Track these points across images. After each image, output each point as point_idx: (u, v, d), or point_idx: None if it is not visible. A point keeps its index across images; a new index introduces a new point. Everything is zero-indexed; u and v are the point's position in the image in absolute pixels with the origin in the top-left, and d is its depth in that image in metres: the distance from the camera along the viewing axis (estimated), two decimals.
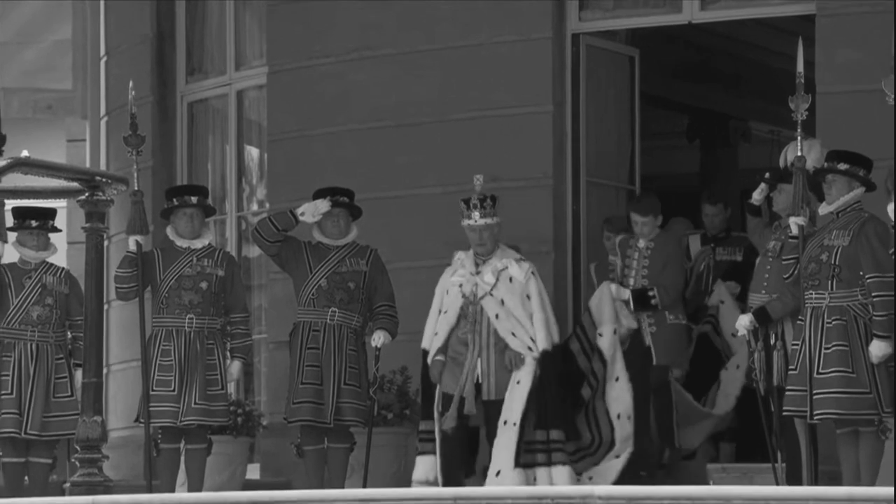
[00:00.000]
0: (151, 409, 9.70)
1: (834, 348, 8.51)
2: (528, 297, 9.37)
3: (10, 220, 9.96)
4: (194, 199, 10.02)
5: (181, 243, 9.92)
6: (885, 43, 8.55)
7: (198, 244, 9.92)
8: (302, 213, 9.83)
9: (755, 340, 8.99)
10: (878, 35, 9.22)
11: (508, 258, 9.44)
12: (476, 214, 9.39)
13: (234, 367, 9.91)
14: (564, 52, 10.74)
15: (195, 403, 9.66)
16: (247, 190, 12.00)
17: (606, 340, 9.62)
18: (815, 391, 8.49)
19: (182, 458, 9.81)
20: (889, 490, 6.16)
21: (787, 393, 8.65)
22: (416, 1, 10.94)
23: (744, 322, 9.02)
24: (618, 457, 9.48)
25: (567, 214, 10.68)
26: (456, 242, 10.23)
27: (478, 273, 9.40)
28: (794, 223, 8.77)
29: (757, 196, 9.65)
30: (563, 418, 9.34)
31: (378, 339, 9.65)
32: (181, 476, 9.85)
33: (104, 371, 9.55)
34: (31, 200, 9.75)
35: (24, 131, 12.18)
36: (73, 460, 8.38)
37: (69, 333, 9.97)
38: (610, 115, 10.98)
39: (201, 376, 9.71)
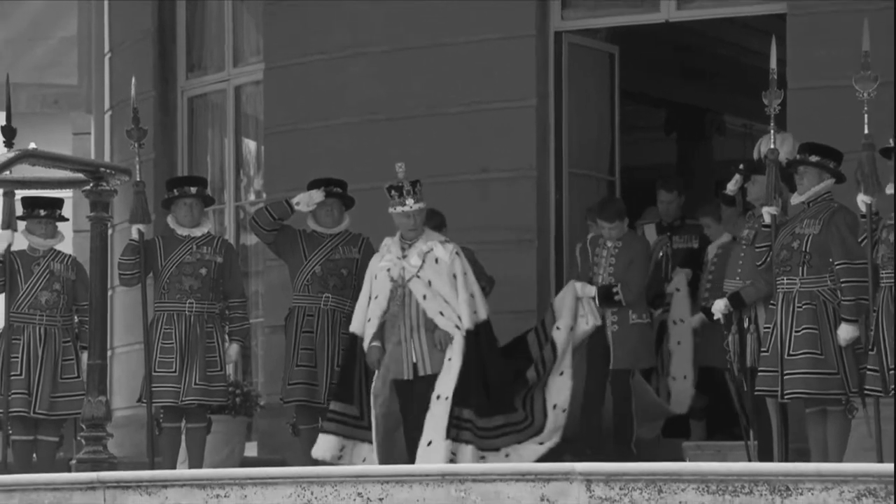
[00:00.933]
0: (154, 389, 9.71)
1: (804, 331, 8.52)
2: (455, 276, 9.21)
3: (19, 210, 9.96)
4: (194, 190, 10.02)
5: (181, 232, 9.91)
6: (854, 41, 8.55)
7: (197, 232, 9.92)
8: (297, 203, 9.83)
9: (730, 324, 9.01)
10: (847, 33, 9.22)
11: (433, 240, 9.30)
12: (410, 200, 9.22)
13: (233, 350, 9.93)
14: (548, 50, 10.74)
15: (195, 384, 9.67)
16: (244, 181, 11.99)
17: (562, 334, 9.52)
18: (785, 372, 8.50)
19: (183, 437, 9.82)
20: (851, 466, 6.18)
21: (760, 374, 8.67)
22: (407, 0, 10.93)
23: (719, 306, 9.03)
24: (541, 444, 9.34)
25: (550, 204, 10.69)
26: (444, 230, 10.22)
27: (404, 257, 9.24)
28: (767, 212, 8.77)
29: (731, 187, 9.65)
30: (477, 397, 9.16)
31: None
32: (182, 453, 9.86)
33: (108, 353, 9.54)
34: (39, 191, 9.75)
35: (32, 125, 12.15)
36: (79, 438, 8.39)
37: (76, 317, 9.96)
38: (591, 110, 10.99)
39: (201, 358, 9.71)
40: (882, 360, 8.27)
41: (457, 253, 9.25)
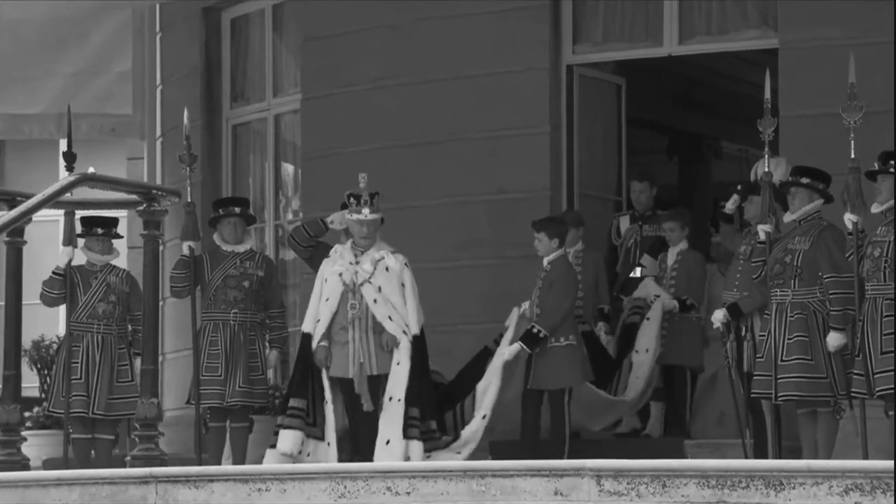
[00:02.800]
0: (201, 391, 9.71)
1: (796, 338, 8.49)
2: (403, 285, 9.06)
3: (78, 228, 9.97)
4: (237, 210, 10.04)
5: (226, 248, 9.92)
6: (841, 73, 8.54)
7: (240, 248, 9.94)
8: (331, 222, 9.83)
9: (728, 332, 8.98)
10: (835, 66, 9.20)
11: (384, 250, 9.16)
12: (366, 210, 9.09)
13: (273, 356, 9.93)
14: (560, 81, 10.74)
15: (239, 387, 9.67)
16: (283, 201, 12.00)
17: (503, 353, 9.26)
18: (779, 376, 8.47)
19: (227, 435, 9.81)
20: (840, 462, 6.15)
21: (755, 377, 8.63)
22: (431, 36, 10.94)
23: (718, 316, 9.00)
24: (458, 453, 9.11)
25: None
26: (463, 245, 10.24)
27: (357, 263, 9.10)
28: (762, 230, 8.75)
29: (729, 206, 9.64)
30: (422, 397, 8.97)
31: None
32: (226, 450, 9.85)
33: (160, 359, 9.54)
34: (97, 211, 9.78)
35: (91, 151, 12.19)
36: (133, 436, 8.37)
37: (130, 326, 9.97)
38: (600, 136, 10.98)
39: (244, 363, 9.71)
40: (867, 365, 8.24)
41: (405, 264, 9.11)
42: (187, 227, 9.84)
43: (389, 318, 8.97)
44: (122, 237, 10.27)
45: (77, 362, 9.79)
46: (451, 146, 10.87)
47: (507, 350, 9.28)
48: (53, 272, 9.89)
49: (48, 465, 10.08)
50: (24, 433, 7.85)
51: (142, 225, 7.75)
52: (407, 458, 8.75)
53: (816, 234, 8.57)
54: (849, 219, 8.36)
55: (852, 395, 8.37)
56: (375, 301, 8.99)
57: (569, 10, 10.74)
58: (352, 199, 9.11)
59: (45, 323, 12.29)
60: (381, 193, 10.16)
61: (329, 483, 6.72)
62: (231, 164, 12.14)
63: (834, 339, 8.44)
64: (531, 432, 9.28)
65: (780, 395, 8.48)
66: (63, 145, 10.00)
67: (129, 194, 7.81)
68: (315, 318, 9.07)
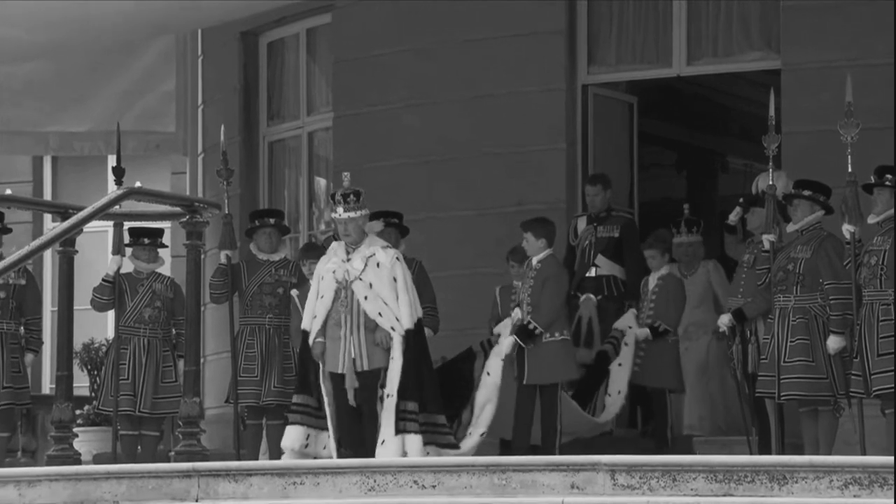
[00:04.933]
0: (239, 391, 9.71)
1: (798, 341, 8.47)
2: (395, 279, 8.53)
3: (126, 238, 9.99)
4: (273, 221, 10.04)
5: (262, 257, 9.93)
6: (839, 92, 8.52)
7: (276, 257, 9.94)
8: None
9: (734, 336, 8.96)
10: (833, 86, 9.19)
11: (376, 246, 8.63)
12: (340, 209, 8.54)
13: None
14: (576, 100, 10.73)
15: (274, 386, 9.66)
16: (316, 213, 12.01)
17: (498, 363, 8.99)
18: (782, 376, 8.44)
19: (264, 432, 9.82)
20: (839, 458, 6.14)
21: (759, 378, 8.61)
22: (455, 58, 10.94)
23: (724, 320, 8.98)
24: (471, 434, 8.83)
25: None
26: (485, 255, 10.23)
27: (348, 260, 8.60)
28: (766, 240, 8.72)
29: (733, 217, 9.62)
30: (419, 391, 8.48)
31: (427, 334, 9.58)
32: (263, 446, 9.85)
33: (201, 360, 9.57)
34: (143, 222, 9.80)
35: (137, 166, 12.20)
36: (176, 433, 8.38)
37: (173, 330, 9.96)
38: (613, 151, 10.95)
39: (279, 365, 9.71)
40: (864, 366, 8.21)
41: (397, 258, 8.62)
42: (225, 237, 9.84)
43: (380, 314, 8.49)
44: (166, 247, 10.28)
45: (125, 364, 9.78)
46: (472, 161, 10.87)
47: (504, 343, 8.97)
48: (103, 279, 9.90)
49: (98, 459, 10.10)
50: (75, 430, 7.89)
51: (185, 235, 7.78)
52: (404, 454, 8.37)
53: (817, 244, 8.55)
54: (847, 229, 8.34)
55: (851, 394, 8.34)
56: (366, 297, 8.52)
57: (584, 33, 10.74)
58: (332, 199, 8.70)
59: (95, 327, 12.30)
60: (407, 205, 10.17)
61: (359, 477, 6.72)
62: (267, 178, 12.15)
63: (833, 342, 8.42)
64: (523, 431, 8.96)
65: (782, 394, 8.46)
66: (112, 161, 10.01)
67: (172, 207, 7.84)
68: (312, 316, 8.63)
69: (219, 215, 9.09)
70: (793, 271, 8.55)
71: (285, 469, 6.90)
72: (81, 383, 11.46)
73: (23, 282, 9.83)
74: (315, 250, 9.51)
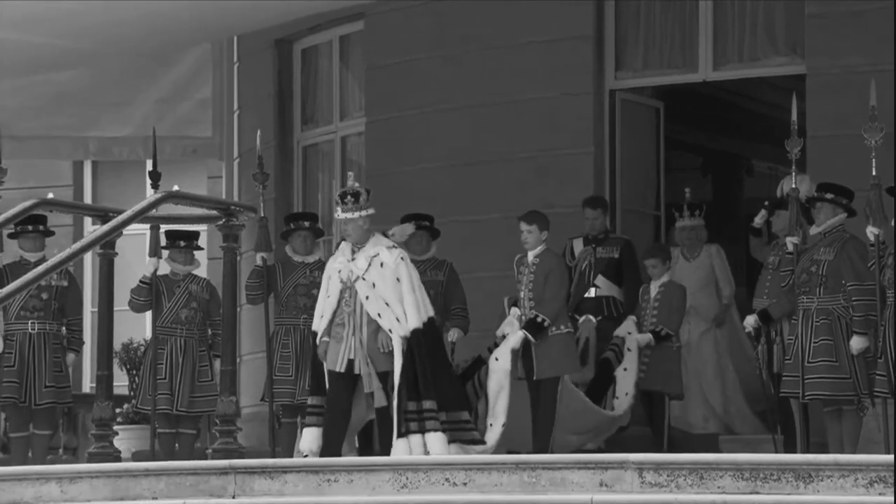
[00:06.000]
0: (274, 390, 9.72)
1: (821, 342, 8.44)
2: (399, 280, 8.31)
3: (163, 241, 10.03)
4: (307, 224, 10.05)
5: (297, 259, 9.94)
6: (863, 97, 8.49)
7: (310, 259, 9.94)
8: (392, 235, 9.80)
9: (759, 336, 8.94)
10: (857, 90, 9.15)
11: (381, 246, 8.41)
12: (339, 209, 8.38)
13: None
14: (603, 105, 10.72)
15: (308, 385, 9.67)
16: None
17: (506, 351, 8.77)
18: (806, 377, 8.42)
19: (299, 430, 9.82)
20: (864, 457, 6.11)
21: (784, 378, 8.59)
22: (484, 64, 10.94)
23: (750, 321, 8.96)
24: (491, 425, 8.51)
25: None
26: (514, 257, 10.19)
27: (353, 260, 8.42)
28: (790, 242, 8.70)
29: (758, 220, 9.60)
30: (435, 389, 8.21)
31: (453, 334, 9.57)
32: (298, 444, 9.86)
33: (237, 360, 9.59)
34: (180, 225, 9.83)
35: (174, 170, 12.24)
36: (213, 431, 8.41)
37: (209, 330, 9.99)
38: (639, 155, 10.94)
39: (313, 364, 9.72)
40: (888, 366, 8.19)
41: (401, 258, 8.37)
42: (261, 239, 9.86)
43: (379, 314, 8.27)
44: (202, 249, 10.31)
45: (162, 363, 9.81)
46: (502, 165, 10.86)
47: (512, 339, 8.75)
48: (140, 281, 9.94)
49: (137, 457, 10.13)
50: (115, 428, 7.91)
51: (221, 238, 7.80)
52: (427, 454, 8.12)
53: (840, 246, 8.52)
54: (870, 231, 8.31)
55: (875, 394, 8.31)
56: (367, 297, 8.31)
57: (611, 39, 10.72)
58: (336, 198, 8.54)
59: (134, 327, 12.35)
60: (438, 208, 10.17)
61: (392, 474, 6.72)
62: (301, 182, 12.18)
63: (857, 343, 8.39)
64: (545, 428, 8.70)
65: (807, 394, 8.44)
66: (149, 165, 10.05)
67: (209, 210, 7.86)
68: (320, 315, 8.46)
69: (254, 218, 9.11)
70: (816, 273, 8.52)
71: (319, 466, 6.91)
72: (121, 382, 11.52)
73: (65, 283, 9.88)
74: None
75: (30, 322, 9.76)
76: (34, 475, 7.15)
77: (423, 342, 8.28)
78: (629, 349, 9.28)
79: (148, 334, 10.86)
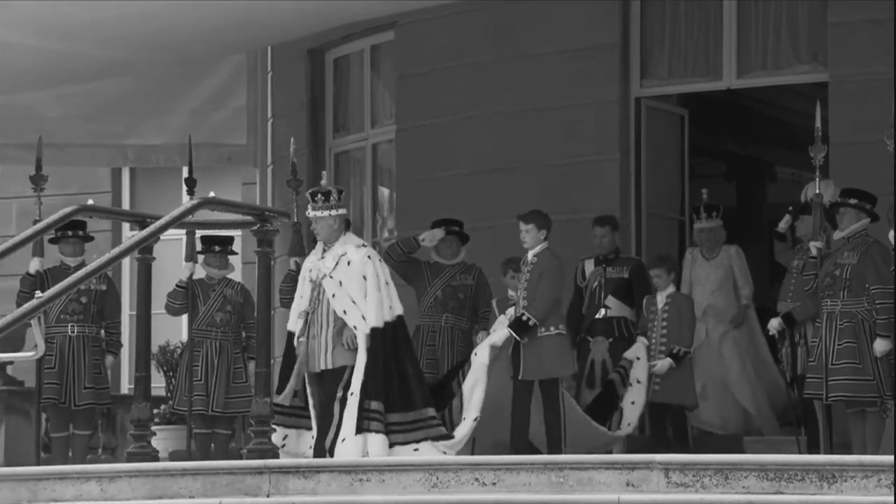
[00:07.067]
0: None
1: (845, 344, 8.41)
2: (365, 277, 8.11)
3: (199, 246, 10.06)
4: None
5: None
6: (884, 103, 8.45)
7: None
8: (423, 239, 9.83)
9: (783, 339, 8.90)
10: (878, 97, 9.13)
11: (349, 245, 8.25)
12: (309, 207, 8.25)
13: None
14: (629, 112, 10.69)
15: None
16: (380, 221, 12.04)
17: (485, 348, 8.61)
18: (829, 378, 8.39)
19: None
20: (888, 458, 6.07)
21: (808, 380, 8.55)
22: (512, 73, 10.94)
23: (774, 324, 8.93)
24: (444, 453, 8.05)
25: (631, 239, 10.62)
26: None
27: (322, 259, 8.27)
28: (814, 246, 8.67)
29: (782, 225, 9.57)
30: (385, 390, 8.03)
31: (481, 337, 9.54)
32: None
33: (271, 362, 9.60)
34: (215, 230, 9.85)
35: (210, 177, 12.28)
36: (248, 432, 8.42)
37: (244, 333, 10.02)
38: (664, 162, 10.91)
39: None
40: None
41: (369, 256, 8.19)
42: (294, 244, 9.86)
43: (345, 311, 8.08)
44: (237, 254, 10.33)
45: (198, 365, 9.83)
46: (529, 171, 10.85)
47: (495, 335, 8.60)
48: (177, 285, 9.97)
49: (173, 457, 10.16)
50: (153, 428, 7.93)
51: (255, 243, 7.82)
52: (366, 453, 7.94)
53: (863, 250, 8.49)
54: (893, 236, 8.27)
55: None
56: (334, 295, 8.13)
57: (637, 48, 10.71)
58: (308, 196, 8.30)
59: (170, 330, 12.39)
60: (467, 213, 10.16)
61: (423, 474, 6.73)
62: None
63: (880, 345, 8.35)
64: (520, 430, 8.53)
65: (830, 395, 8.40)
66: (185, 172, 10.09)
67: (244, 216, 7.89)
68: (297, 316, 8.28)
69: (288, 224, 9.12)
70: (840, 277, 8.49)
71: (352, 466, 6.91)
72: (158, 384, 11.55)
73: (103, 287, 9.92)
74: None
75: (70, 325, 9.80)
76: (75, 474, 7.19)
77: (380, 341, 8.09)
78: (638, 381, 8.94)
79: (184, 337, 10.89)
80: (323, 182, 8.40)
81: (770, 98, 12.70)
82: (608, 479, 6.35)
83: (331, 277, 8.19)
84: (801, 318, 8.87)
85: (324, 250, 8.35)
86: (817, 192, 8.68)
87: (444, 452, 8.05)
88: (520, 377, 8.60)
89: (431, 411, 8.16)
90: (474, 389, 8.49)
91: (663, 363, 9.09)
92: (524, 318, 8.61)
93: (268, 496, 6.89)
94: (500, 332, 8.66)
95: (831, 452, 8.45)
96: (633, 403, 8.94)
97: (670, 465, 6.28)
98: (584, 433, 8.67)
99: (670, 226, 10.87)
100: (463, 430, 8.33)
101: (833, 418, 8.68)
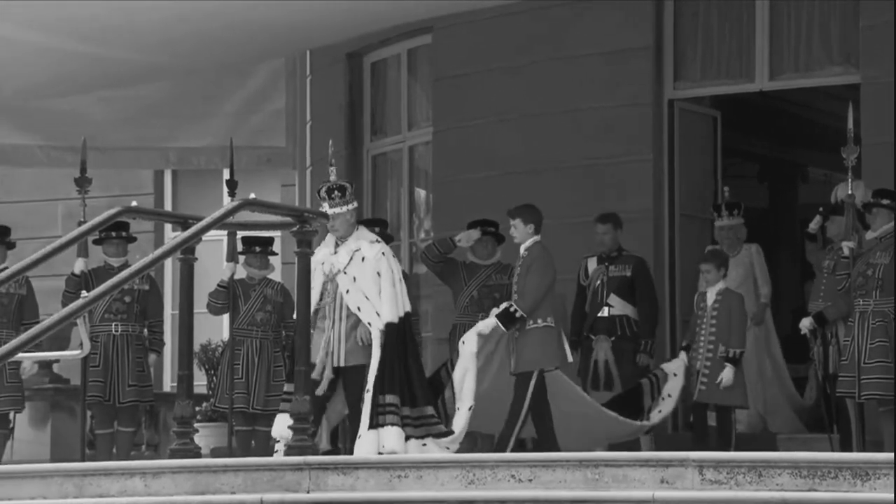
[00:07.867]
0: None
1: (877, 343, 8.38)
2: (379, 274, 8.06)
3: (240, 246, 10.09)
4: (377, 229, 10.00)
5: None
6: None
7: None
8: (459, 240, 9.83)
9: (815, 338, 8.86)
10: None
11: (363, 240, 8.19)
12: (326, 205, 8.16)
13: None
14: (662, 114, 10.67)
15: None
16: (416, 222, 12.05)
17: (472, 337, 8.46)
18: (862, 377, 8.37)
19: None
20: None
21: (840, 378, 8.52)
22: (547, 75, 10.94)
23: (805, 323, 8.89)
24: (447, 448, 8.00)
25: (664, 240, 10.60)
26: (575, 261, 10.15)
27: (335, 254, 8.21)
28: (846, 246, 8.63)
29: (813, 226, 9.52)
30: (398, 384, 7.96)
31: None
32: None
33: (311, 360, 9.60)
34: (256, 231, 9.88)
35: (249, 179, 12.33)
36: (288, 429, 8.42)
37: (283, 332, 10.05)
38: (697, 163, 10.88)
39: None
40: None
41: (383, 253, 8.13)
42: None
43: (359, 307, 8.05)
44: (276, 254, 10.36)
45: (239, 364, 9.86)
46: (563, 173, 10.84)
47: (481, 324, 8.45)
48: (218, 285, 10.00)
49: (215, 453, 10.20)
50: (195, 425, 7.95)
51: (295, 243, 7.84)
52: (382, 447, 7.88)
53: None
54: None
55: None
56: (348, 291, 8.09)
57: (670, 50, 10.68)
58: (318, 194, 8.23)
59: (212, 329, 12.44)
60: (502, 214, 10.12)
61: (460, 471, 6.73)
62: (371, 190, 12.22)
63: None
64: (545, 425, 8.37)
65: (862, 394, 8.37)
66: (226, 174, 10.12)
67: (283, 217, 7.90)
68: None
69: (326, 224, 9.13)
70: (872, 276, 8.44)
71: (390, 463, 6.92)
72: (200, 382, 11.60)
73: (146, 287, 9.97)
74: None
75: (113, 324, 9.86)
76: (119, 470, 7.22)
77: (395, 337, 8.04)
78: (669, 395, 8.78)
79: (225, 336, 10.93)
80: (332, 178, 8.33)
81: (802, 100, 12.64)
82: (643, 476, 6.34)
83: (345, 273, 8.15)
84: (832, 318, 8.83)
85: (336, 244, 8.30)
86: (850, 192, 8.65)
87: (447, 448, 8.00)
88: (512, 371, 8.48)
89: (431, 409, 8.12)
90: (465, 378, 8.38)
91: (728, 373, 8.83)
92: (511, 308, 8.48)
93: (308, 492, 6.91)
94: (487, 320, 8.55)
95: (864, 450, 8.41)
96: (668, 396, 8.79)
97: (704, 463, 6.26)
98: (598, 424, 8.53)
99: (703, 226, 10.83)
100: (460, 422, 8.23)
101: (865, 416, 8.63)
